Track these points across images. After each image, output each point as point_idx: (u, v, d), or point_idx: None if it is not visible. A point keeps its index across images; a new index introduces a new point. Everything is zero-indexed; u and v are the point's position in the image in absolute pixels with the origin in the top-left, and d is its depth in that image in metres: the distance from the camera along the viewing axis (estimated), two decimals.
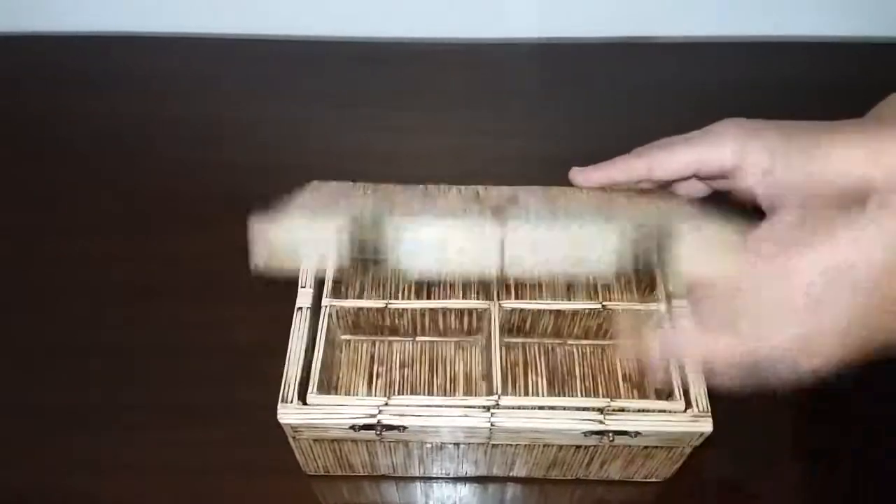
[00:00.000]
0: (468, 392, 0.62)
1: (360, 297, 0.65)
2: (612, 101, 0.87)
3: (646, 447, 0.53)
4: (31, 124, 0.84)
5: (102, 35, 0.92)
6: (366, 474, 0.60)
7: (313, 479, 0.60)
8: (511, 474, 0.59)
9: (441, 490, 0.60)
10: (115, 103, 0.85)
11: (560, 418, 0.51)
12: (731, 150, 0.43)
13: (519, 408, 0.51)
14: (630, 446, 0.53)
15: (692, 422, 0.51)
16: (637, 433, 0.51)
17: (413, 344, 0.65)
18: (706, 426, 0.51)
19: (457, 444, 0.54)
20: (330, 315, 0.58)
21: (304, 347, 0.54)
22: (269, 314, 0.58)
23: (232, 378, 0.64)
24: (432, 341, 0.65)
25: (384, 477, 0.60)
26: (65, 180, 0.79)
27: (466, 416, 0.51)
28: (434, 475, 0.60)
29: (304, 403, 0.51)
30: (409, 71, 0.89)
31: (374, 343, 0.65)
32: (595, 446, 0.54)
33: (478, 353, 0.64)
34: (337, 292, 0.61)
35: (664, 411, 0.52)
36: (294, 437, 0.53)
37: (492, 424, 0.51)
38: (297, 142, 0.82)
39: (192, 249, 0.72)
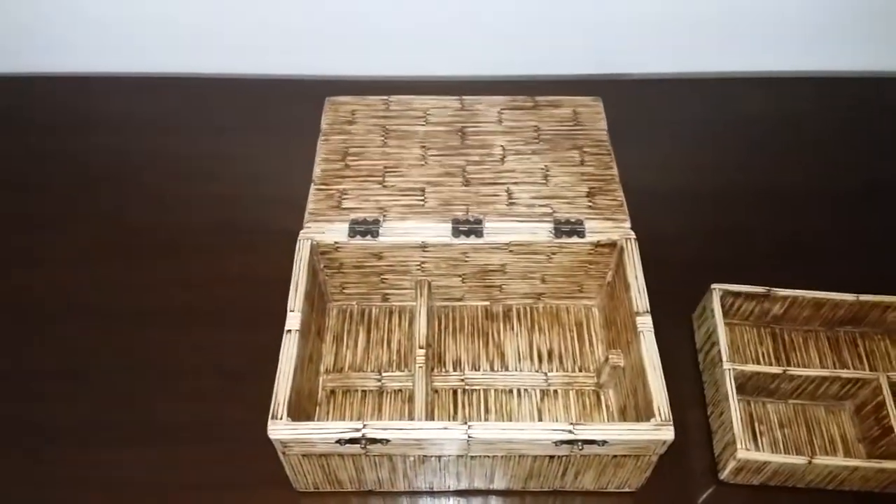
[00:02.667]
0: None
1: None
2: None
3: (615, 456, 0.57)
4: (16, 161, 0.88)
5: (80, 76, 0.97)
6: (353, 490, 0.63)
7: (303, 495, 0.63)
8: (492, 487, 0.63)
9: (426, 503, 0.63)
10: (99, 141, 0.90)
11: (533, 429, 0.55)
12: None
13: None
14: (599, 455, 0.57)
15: (655, 430, 0.55)
16: (604, 441, 0.54)
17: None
18: (668, 434, 0.54)
19: (439, 458, 0.58)
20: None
21: (292, 367, 0.57)
22: (258, 338, 0.63)
23: (222, 398, 0.68)
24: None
25: (371, 493, 0.63)
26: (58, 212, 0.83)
27: (446, 427, 0.54)
28: (418, 489, 0.63)
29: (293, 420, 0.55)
30: None
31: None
32: (568, 456, 0.57)
33: None
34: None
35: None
36: (284, 453, 0.57)
37: (469, 436, 0.54)
38: (282, 175, 0.87)
39: (184, 275, 0.77)
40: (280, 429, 0.54)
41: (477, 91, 0.79)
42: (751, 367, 0.66)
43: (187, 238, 0.80)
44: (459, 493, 0.63)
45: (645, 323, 0.60)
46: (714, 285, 0.69)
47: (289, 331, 0.60)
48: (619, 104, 0.79)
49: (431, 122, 0.76)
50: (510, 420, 0.67)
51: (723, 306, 0.68)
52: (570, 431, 0.54)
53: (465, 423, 0.55)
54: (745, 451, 0.60)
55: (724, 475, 0.63)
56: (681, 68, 0.99)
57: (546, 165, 0.72)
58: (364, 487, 0.63)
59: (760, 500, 0.64)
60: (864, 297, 0.69)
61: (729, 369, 0.64)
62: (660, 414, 0.55)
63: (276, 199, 0.78)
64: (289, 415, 0.55)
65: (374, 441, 0.54)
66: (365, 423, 0.54)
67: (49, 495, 0.63)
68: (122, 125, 0.92)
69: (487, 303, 0.75)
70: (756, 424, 0.67)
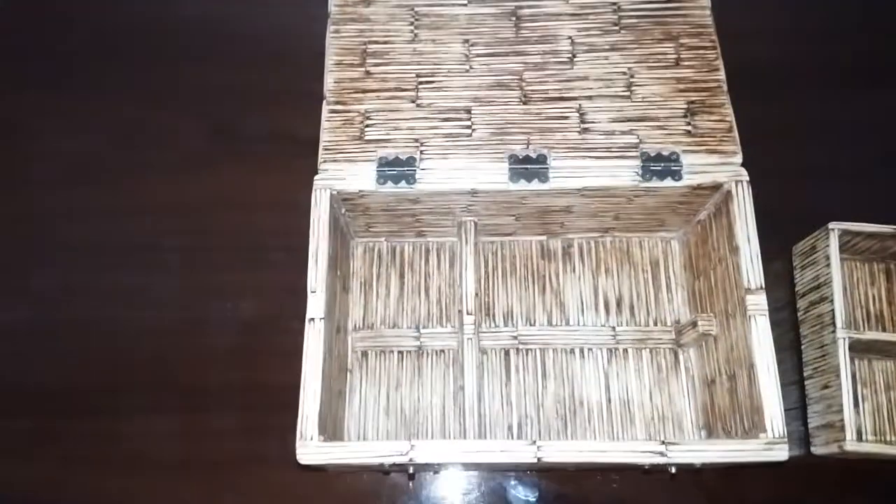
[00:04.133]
0: None
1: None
2: None
3: None
4: None
5: None
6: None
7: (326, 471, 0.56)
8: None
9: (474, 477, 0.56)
10: None
11: (616, 450, 0.45)
12: None
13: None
14: None
15: (766, 450, 0.45)
16: (702, 465, 0.45)
17: None
18: (781, 454, 0.45)
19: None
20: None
21: (319, 373, 0.46)
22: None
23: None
24: None
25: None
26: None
27: (509, 450, 0.45)
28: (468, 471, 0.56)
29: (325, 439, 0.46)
30: None
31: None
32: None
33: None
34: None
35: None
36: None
37: (538, 459, 0.45)
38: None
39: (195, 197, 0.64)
40: (311, 452, 0.45)
41: None
42: (870, 336, 0.55)
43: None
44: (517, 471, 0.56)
45: (758, 304, 0.48)
46: (832, 224, 0.55)
47: (311, 319, 0.48)
48: None
49: (475, 0, 0.57)
50: (572, 387, 0.57)
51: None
52: (663, 454, 0.45)
53: (533, 442, 0.45)
54: (855, 443, 0.51)
55: (818, 450, 0.55)
56: None
57: (629, 68, 0.55)
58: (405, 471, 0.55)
59: (858, 475, 0.56)
60: None
61: (844, 338, 0.53)
62: (773, 429, 0.45)
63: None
64: (320, 427, 0.45)
65: (424, 466, 0.45)
66: (412, 443, 0.45)
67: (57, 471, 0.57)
68: None
69: (544, 237, 0.62)
70: (859, 387, 0.58)
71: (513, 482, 0.55)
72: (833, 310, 0.54)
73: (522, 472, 0.55)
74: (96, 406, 0.58)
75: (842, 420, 0.52)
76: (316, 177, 0.52)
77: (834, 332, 0.54)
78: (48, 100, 0.68)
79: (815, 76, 0.68)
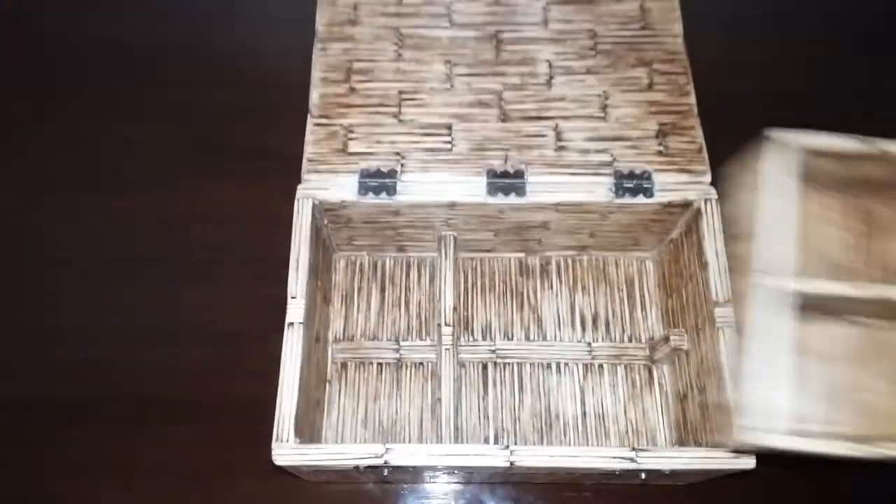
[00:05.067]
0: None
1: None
2: None
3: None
4: None
5: None
6: (368, 480, 0.56)
7: (314, 483, 0.56)
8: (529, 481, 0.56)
9: (448, 489, 0.56)
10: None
11: (587, 455, 0.46)
12: None
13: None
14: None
15: (734, 458, 0.46)
16: (673, 472, 0.46)
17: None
18: (749, 463, 0.46)
19: (469, 472, 0.50)
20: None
21: (297, 376, 0.47)
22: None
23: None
24: None
25: (386, 481, 0.56)
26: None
27: (483, 454, 0.46)
28: (442, 482, 0.56)
29: (300, 440, 0.46)
30: None
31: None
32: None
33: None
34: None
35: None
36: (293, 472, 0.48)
37: (511, 463, 0.45)
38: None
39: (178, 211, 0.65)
40: (287, 454, 0.45)
41: None
42: (813, 286, 0.42)
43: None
44: (489, 483, 0.57)
45: (726, 317, 0.49)
46: (771, 132, 0.44)
47: (290, 324, 0.49)
48: None
49: (457, 24, 0.59)
50: (548, 401, 0.58)
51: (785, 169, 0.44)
52: (633, 460, 0.45)
53: (507, 446, 0.46)
54: (751, 431, 0.40)
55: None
56: None
57: (604, 91, 0.57)
58: (380, 479, 0.55)
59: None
60: None
61: (763, 287, 0.41)
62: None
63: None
64: (296, 429, 0.46)
65: (399, 468, 0.46)
66: (387, 446, 0.45)
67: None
68: None
69: (522, 255, 0.63)
70: (804, 359, 0.44)
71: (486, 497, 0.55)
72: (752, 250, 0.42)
73: (497, 483, 0.55)
74: (73, 416, 0.58)
75: (731, 402, 0.42)
76: (299, 186, 0.53)
77: (753, 278, 0.41)
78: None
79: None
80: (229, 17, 0.74)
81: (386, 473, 0.47)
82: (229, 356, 0.60)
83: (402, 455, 0.45)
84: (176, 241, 0.64)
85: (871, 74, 0.73)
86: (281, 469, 0.46)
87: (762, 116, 0.61)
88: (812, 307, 0.44)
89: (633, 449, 0.45)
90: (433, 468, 0.47)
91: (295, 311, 0.49)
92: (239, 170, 0.67)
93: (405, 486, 0.56)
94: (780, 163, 0.45)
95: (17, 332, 0.61)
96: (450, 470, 0.48)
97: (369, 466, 0.45)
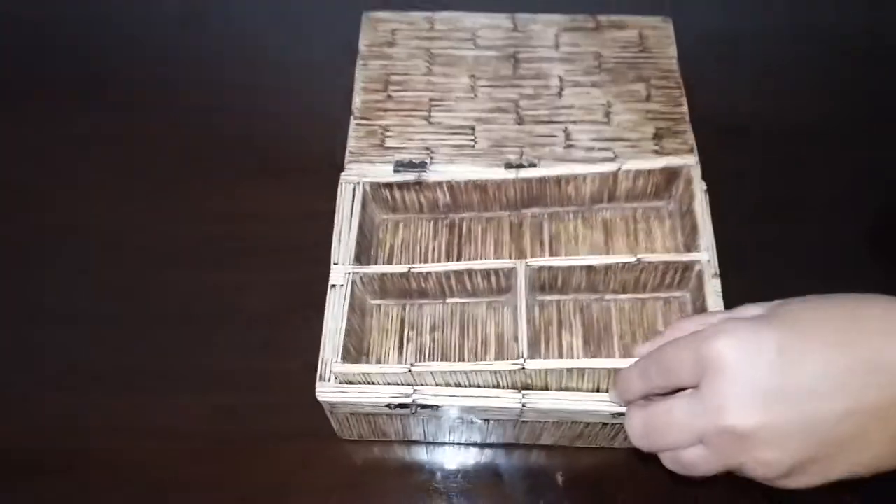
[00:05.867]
0: (500, 355, 0.62)
1: (389, 260, 0.64)
2: None
3: None
4: None
5: None
6: (398, 440, 0.62)
7: (347, 443, 0.63)
8: (538, 443, 0.61)
9: (469, 454, 0.62)
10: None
11: (590, 401, 0.52)
12: None
13: (546, 371, 0.51)
14: None
15: None
16: None
17: (443, 306, 0.64)
18: None
19: (486, 420, 0.56)
20: (355, 282, 0.58)
21: (339, 325, 0.55)
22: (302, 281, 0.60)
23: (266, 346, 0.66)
24: (463, 303, 0.63)
25: (415, 442, 0.62)
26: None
27: (498, 396, 0.52)
28: (463, 442, 0.62)
29: (339, 381, 0.53)
30: None
31: (404, 307, 0.65)
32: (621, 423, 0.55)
33: (509, 314, 0.61)
34: (366, 256, 0.61)
35: None
36: (332, 412, 0.55)
37: (523, 406, 0.52)
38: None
39: (220, 211, 0.73)
40: (328, 391, 0.52)
41: (532, 6, 0.71)
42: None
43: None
44: (504, 445, 0.62)
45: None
46: None
47: (333, 286, 0.57)
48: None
49: (481, 46, 0.69)
50: None
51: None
52: None
53: (520, 391, 0.52)
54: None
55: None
56: None
57: (608, 101, 0.66)
58: (409, 439, 0.62)
59: None
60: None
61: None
62: None
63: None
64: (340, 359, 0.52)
65: (424, 406, 0.52)
66: (415, 387, 0.52)
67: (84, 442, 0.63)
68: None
69: None
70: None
71: None
72: None
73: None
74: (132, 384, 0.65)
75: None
76: (342, 173, 0.62)
77: None
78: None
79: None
80: (286, 38, 0.84)
81: (413, 412, 0.53)
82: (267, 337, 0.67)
83: (426, 395, 0.52)
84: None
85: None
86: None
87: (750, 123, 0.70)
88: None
89: None
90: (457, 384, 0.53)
91: (337, 274, 0.57)
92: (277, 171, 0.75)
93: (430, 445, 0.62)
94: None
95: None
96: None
97: (400, 405, 0.52)
